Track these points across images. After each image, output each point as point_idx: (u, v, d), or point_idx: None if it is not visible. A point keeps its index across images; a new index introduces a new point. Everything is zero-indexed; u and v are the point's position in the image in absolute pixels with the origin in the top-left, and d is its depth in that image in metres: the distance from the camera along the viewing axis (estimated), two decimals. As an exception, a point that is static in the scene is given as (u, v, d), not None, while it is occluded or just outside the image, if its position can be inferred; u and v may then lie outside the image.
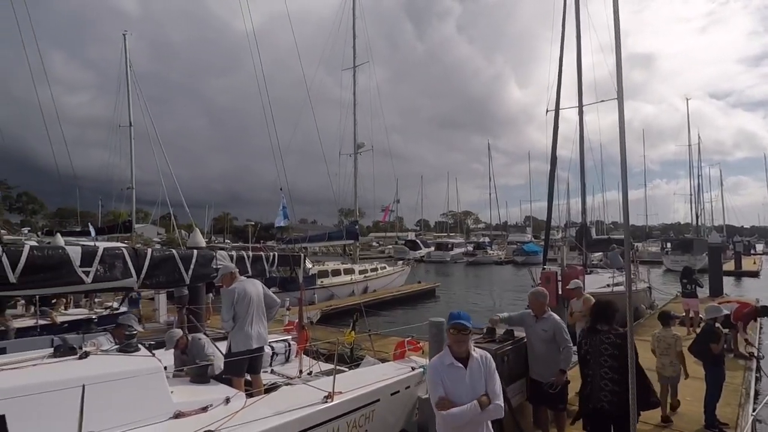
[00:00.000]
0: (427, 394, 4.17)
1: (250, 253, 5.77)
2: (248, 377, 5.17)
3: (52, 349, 4.11)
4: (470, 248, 56.78)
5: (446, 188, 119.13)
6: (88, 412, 2.95)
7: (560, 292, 11.45)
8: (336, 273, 21.00)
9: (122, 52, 23.80)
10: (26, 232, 30.80)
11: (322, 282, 19.28)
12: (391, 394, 5.07)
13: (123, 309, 11.65)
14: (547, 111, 15.21)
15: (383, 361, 6.74)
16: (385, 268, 24.98)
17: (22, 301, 11.03)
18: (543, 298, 4.87)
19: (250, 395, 4.61)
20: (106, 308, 12.22)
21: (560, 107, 15.00)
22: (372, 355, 7.17)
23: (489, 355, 3.12)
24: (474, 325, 3.19)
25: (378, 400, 4.82)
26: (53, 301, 11.37)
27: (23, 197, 67.13)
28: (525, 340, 5.20)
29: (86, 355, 4.01)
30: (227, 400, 4.34)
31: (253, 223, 48.99)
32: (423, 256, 52.33)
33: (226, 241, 59.76)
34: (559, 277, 11.89)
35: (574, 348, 4.55)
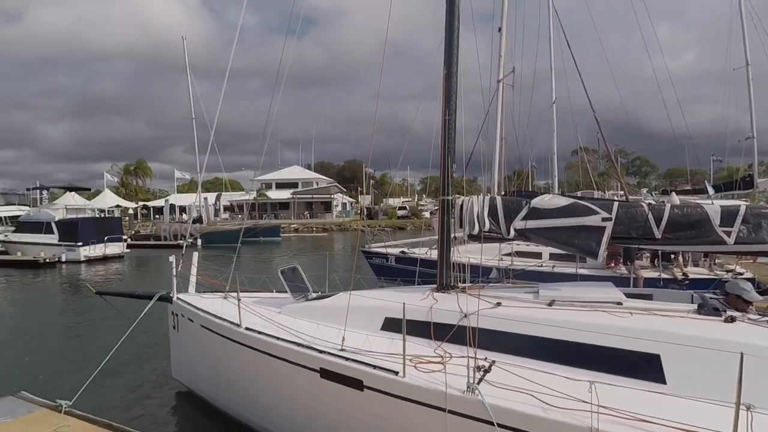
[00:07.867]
0: None
1: None
2: None
3: (695, 305, 4.18)
4: None
5: None
6: (745, 383, 2.74)
7: None
8: None
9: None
10: (644, 192, 34.06)
11: None
12: None
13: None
14: None
15: None
16: None
17: (647, 254, 12.17)
18: None
19: None
20: (727, 271, 11.37)
21: None
22: None
23: None
24: None
25: None
26: (672, 256, 11.81)
27: (637, 161, 75.10)
28: None
29: (732, 319, 3.79)
30: None
31: None
32: None
33: None
34: None
35: None
